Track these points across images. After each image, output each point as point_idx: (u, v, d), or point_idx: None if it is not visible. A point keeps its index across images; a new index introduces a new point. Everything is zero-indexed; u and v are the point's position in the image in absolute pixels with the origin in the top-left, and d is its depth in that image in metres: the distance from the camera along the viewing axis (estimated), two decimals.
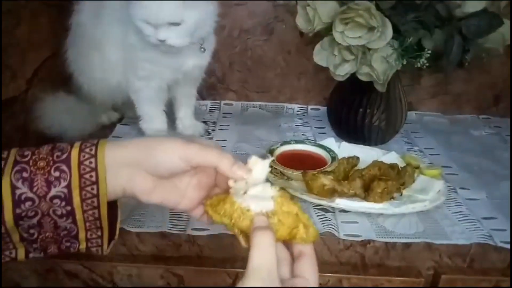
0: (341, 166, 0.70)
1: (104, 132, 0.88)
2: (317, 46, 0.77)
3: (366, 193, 0.64)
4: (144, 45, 0.72)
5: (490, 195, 0.71)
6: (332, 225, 0.61)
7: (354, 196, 0.65)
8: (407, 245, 0.60)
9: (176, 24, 0.65)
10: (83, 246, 0.45)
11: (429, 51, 0.70)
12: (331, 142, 0.79)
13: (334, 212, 0.64)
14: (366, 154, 0.75)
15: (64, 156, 0.41)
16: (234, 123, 0.95)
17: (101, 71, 0.79)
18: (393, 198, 0.65)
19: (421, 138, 0.92)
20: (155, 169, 0.43)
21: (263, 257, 0.36)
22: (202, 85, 0.95)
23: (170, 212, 0.63)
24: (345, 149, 0.78)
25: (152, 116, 0.81)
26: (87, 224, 0.43)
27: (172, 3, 0.64)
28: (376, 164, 0.68)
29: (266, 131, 0.91)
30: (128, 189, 0.43)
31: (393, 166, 0.69)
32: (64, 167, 0.41)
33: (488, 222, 0.64)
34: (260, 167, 0.42)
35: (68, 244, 0.45)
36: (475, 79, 1.00)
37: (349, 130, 0.85)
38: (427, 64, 0.71)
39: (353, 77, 0.76)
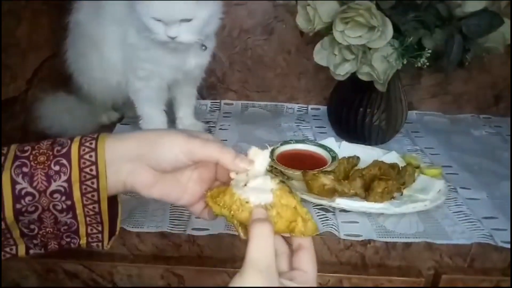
0: (341, 166, 0.70)
1: (104, 132, 0.87)
2: (317, 46, 0.77)
3: (367, 192, 0.64)
4: (146, 45, 0.72)
5: (490, 194, 0.71)
6: (332, 225, 0.61)
7: (354, 195, 0.65)
8: (408, 245, 0.60)
9: (188, 20, 0.66)
10: (83, 241, 0.45)
11: (430, 51, 0.70)
12: (331, 141, 0.79)
13: (334, 212, 0.64)
14: (367, 154, 0.75)
15: (64, 150, 0.41)
16: (234, 123, 0.95)
17: (100, 71, 0.79)
18: (393, 197, 0.65)
19: (421, 138, 0.92)
20: (157, 163, 0.43)
21: (261, 249, 0.35)
22: (202, 85, 0.95)
23: (170, 212, 0.63)
24: (345, 148, 0.78)
25: (152, 116, 0.81)
26: (88, 219, 0.43)
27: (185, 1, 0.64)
28: (377, 163, 0.68)
29: (266, 131, 0.91)
30: (129, 183, 0.43)
31: (393, 166, 0.69)
32: (64, 161, 0.41)
33: (488, 221, 0.64)
34: (261, 157, 0.43)
35: (68, 239, 0.45)
36: (476, 78, 1.00)
37: (350, 130, 0.85)
38: (428, 63, 0.71)
39: (353, 77, 0.76)
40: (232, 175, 0.43)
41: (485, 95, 1.03)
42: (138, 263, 0.60)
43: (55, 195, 0.41)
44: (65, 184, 0.41)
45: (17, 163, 0.40)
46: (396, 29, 0.70)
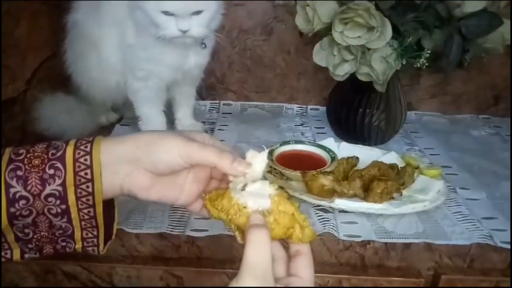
0: (340, 166, 0.70)
1: (103, 133, 0.87)
2: (317, 46, 0.77)
3: (366, 193, 0.64)
4: (145, 44, 0.72)
5: (490, 195, 0.71)
6: (331, 225, 0.61)
7: (353, 196, 0.64)
8: (407, 246, 0.60)
9: (198, 13, 0.66)
10: (79, 246, 0.45)
11: (429, 51, 0.70)
12: (330, 142, 0.79)
13: (333, 213, 0.64)
14: (366, 154, 0.75)
15: (59, 153, 0.41)
16: (233, 123, 0.95)
17: (99, 71, 0.79)
18: (392, 198, 0.65)
19: (420, 138, 0.92)
20: (154, 166, 0.43)
21: (258, 255, 0.35)
22: (202, 85, 0.95)
23: (169, 213, 0.63)
24: (344, 149, 0.78)
25: (151, 117, 0.81)
26: (83, 223, 0.43)
27: None
28: (376, 164, 0.68)
29: (266, 131, 0.91)
30: (126, 186, 0.43)
31: (392, 166, 0.69)
32: (58, 165, 0.40)
33: (488, 222, 0.64)
34: (259, 160, 0.43)
35: (63, 244, 0.44)
36: (475, 79, 1.00)
37: (349, 130, 0.85)
38: (427, 64, 0.71)
39: (352, 77, 0.76)
40: (231, 178, 0.43)
41: (485, 95, 1.03)
42: (137, 264, 0.60)
43: (50, 199, 0.40)
44: (60, 188, 0.40)
45: (11, 166, 0.40)
46: (395, 29, 0.70)
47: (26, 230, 0.42)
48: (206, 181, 0.47)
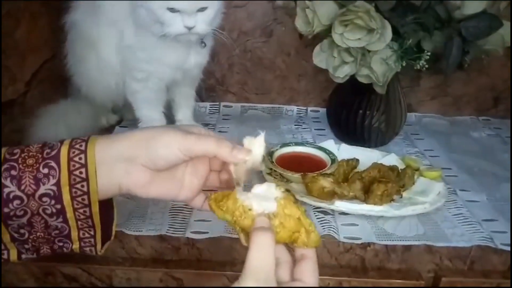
0: (340, 168, 0.70)
1: (103, 134, 0.87)
2: (317, 48, 0.77)
3: (366, 195, 0.64)
4: (144, 44, 0.72)
5: (490, 197, 0.71)
6: (332, 227, 0.61)
7: (354, 198, 0.64)
8: (407, 248, 0.60)
9: (203, 9, 0.66)
10: (76, 246, 0.45)
11: (429, 53, 0.70)
12: (330, 144, 0.79)
13: (334, 215, 0.64)
14: (366, 156, 0.75)
15: (54, 152, 0.41)
16: (233, 125, 0.95)
17: (98, 72, 0.79)
18: (393, 200, 0.65)
19: (421, 140, 0.92)
20: (152, 163, 0.43)
21: (261, 258, 0.35)
22: (202, 87, 0.95)
23: (169, 215, 0.63)
24: (344, 151, 0.78)
25: (151, 118, 0.81)
26: (79, 223, 0.43)
27: None
28: (376, 166, 0.68)
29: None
30: (124, 185, 0.43)
31: (393, 168, 0.69)
32: (53, 164, 0.40)
33: (488, 224, 0.64)
34: (256, 145, 0.44)
35: (60, 244, 0.44)
36: (475, 80, 1.00)
37: (349, 132, 0.85)
38: (427, 66, 0.71)
39: (352, 79, 0.76)
40: (232, 167, 0.43)
41: (485, 97, 1.03)
42: (137, 266, 0.60)
43: (44, 199, 0.40)
44: (54, 188, 0.40)
45: (5, 166, 0.39)
46: (395, 31, 0.70)
47: (22, 231, 0.42)
48: (205, 173, 0.47)
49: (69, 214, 0.42)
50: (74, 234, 0.43)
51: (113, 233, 0.47)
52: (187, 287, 0.61)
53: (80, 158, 0.41)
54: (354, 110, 0.82)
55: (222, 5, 0.71)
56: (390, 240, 0.60)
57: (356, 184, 0.65)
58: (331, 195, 0.64)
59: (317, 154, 0.75)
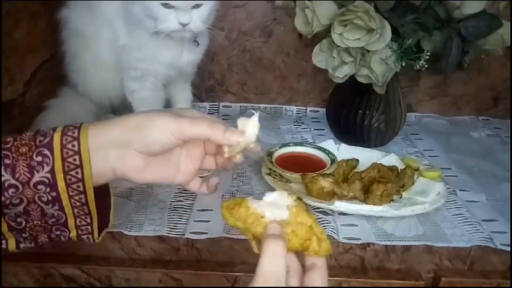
0: (340, 169, 0.70)
1: None
2: (316, 48, 0.77)
3: (366, 195, 0.64)
4: (139, 43, 0.72)
5: (490, 197, 0.71)
6: (331, 228, 0.61)
7: (353, 198, 0.64)
8: (407, 248, 0.60)
9: (198, 6, 0.66)
10: (73, 234, 0.45)
11: (428, 53, 0.70)
12: (330, 144, 0.79)
13: (333, 215, 0.64)
14: (366, 156, 0.75)
15: (47, 140, 0.41)
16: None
17: (93, 69, 0.79)
18: (392, 200, 0.65)
19: (420, 140, 0.92)
20: (145, 147, 0.43)
21: (273, 265, 0.35)
22: (201, 87, 0.95)
23: (169, 215, 0.63)
24: (344, 151, 0.78)
25: None
26: (75, 210, 0.43)
27: None
28: (376, 166, 0.68)
29: (265, 133, 0.91)
30: (118, 170, 0.43)
31: (392, 168, 0.69)
32: (46, 152, 0.40)
33: (488, 224, 0.64)
34: (250, 125, 0.44)
35: (58, 232, 0.44)
36: (475, 80, 1.00)
37: (348, 132, 0.85)
38: (426, 65, 0.71)
39: (352, 79, 0.75)
40: (226, 149, 0.44)
41: (484, 97, 1.03)
42: (136, 267, 0.60)
43: (40, 187, 0.40)
44: (49, 175, 0.40)
45: None
46: (394, 31, 0.70)
47: (19, 219, 0.42)
48: (200, 157, 0.48)
49: (65, 201, 0.42)
50: (71, 222, 0.44)
51: (111, 220, 0.47)
52: None
53: (73, 145, 0.41)
54: (353, 110, 0.82)
55: (217, 3, 0.70)
56: (389, 240, 0.60)
57: (355, 184, 0.65)
58: (331, 196, 0.64)
59: (316, 154, 0.75)
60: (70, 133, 0.41)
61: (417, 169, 0.72)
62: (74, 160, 0.41)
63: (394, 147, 0.86)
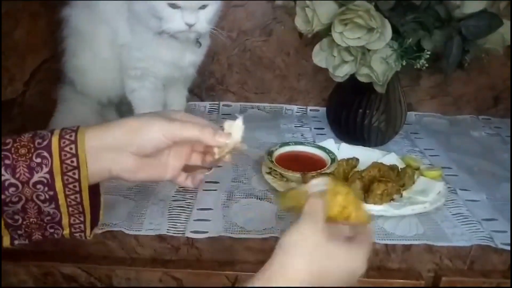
0: (340, 168, 0.70)
1: None
2: (316, 47, 0.77)
3: (366, 194, 0.64)
4: (140, 42, 0.72)
5: (490, 196, 0.71)
6: None
7: None
8: (407, 247, 0.60)
9: (204, 6, 0.66)
10: (66, 232, 0.47)
11: (429, 52, 0.70)
12: (330, 143, 0.79)
13: None
14: (366, 156, 0.75)
15: (45, 143, 0.43)
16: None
17: (93, 67, 0.79)
18: (393, 199, 0.65)
19: (421, 139, 0.92)
20: (140, 150, 0.46)
21: (314, 204, 0.40)
22: (201, 87, 0.95)
23: (169, 215, 0.63)
24: (344, 150, 0.78)
25: None
26: (70, 209, 0.45)
27: None
28: (376, 165, 0.68)
29: (265, 132, 0.91)
30: (113, 171, 0.46)
31: (392, 168, 0.69)
32: (45, 154, 0.42)
33: (488, 223, 0.64)
34: (235, 128, 0.48)
35: (52, 230, 0.46)
36: (475, 80, 1.00)
37: (349, 131, 0.85)
38: (427, 65, 0.71)
39: (352, 78, 0.75)
40: (216, 150, 0.48)
41: (485, 96, 1.03)
42: (136, 266, 0.60)
43: (38, 186, 0.42)
44: (48, 176, 0.42)
45: None
46: (395, 30, 0.70)
47: (16, 217, 0.44)
48: (187, 155, 0.51)
49: (61, 200, 0.44)
50: (65, 221, 0.46)
51: (101, 218, 0.50)
52: (186, 287, 0.61)
53: (71, 148, 0.43)
54: (354, 109, 0.82)
55: (221, 4, 0.71)
56: (390, 239, 0.60)
57: (356, 184, 0.65)
58: None
59: (317, 153, 0.75)
60: (67, 136, 0.43)
61: (417, 169, 0.72)
62: (72, 162, 0.43)
63: (394, 146, 0.86)
